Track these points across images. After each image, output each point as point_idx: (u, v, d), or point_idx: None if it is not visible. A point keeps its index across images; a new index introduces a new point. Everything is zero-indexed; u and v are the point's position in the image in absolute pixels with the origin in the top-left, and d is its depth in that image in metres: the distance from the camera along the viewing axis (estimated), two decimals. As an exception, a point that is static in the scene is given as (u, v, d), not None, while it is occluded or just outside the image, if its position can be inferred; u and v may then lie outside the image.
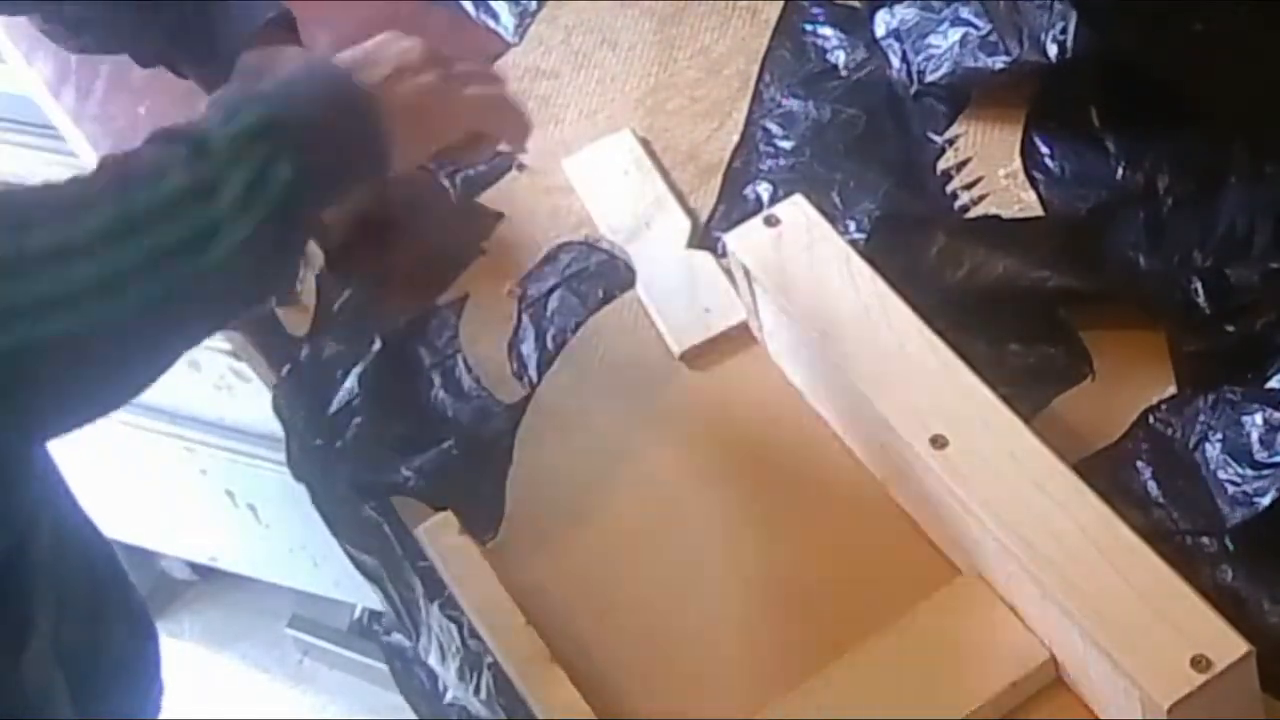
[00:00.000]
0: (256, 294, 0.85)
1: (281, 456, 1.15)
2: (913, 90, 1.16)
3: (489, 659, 0.96)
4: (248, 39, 1.06)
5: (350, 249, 1.11)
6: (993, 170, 1.11)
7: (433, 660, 1.00)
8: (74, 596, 0.96)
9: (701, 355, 1.10)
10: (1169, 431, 0.97)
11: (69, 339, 0.75)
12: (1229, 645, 0.81)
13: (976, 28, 1.12)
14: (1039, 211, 1.09)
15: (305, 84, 0.85)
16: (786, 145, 1.19)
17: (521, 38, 1.34)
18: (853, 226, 1.10)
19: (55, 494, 0.98)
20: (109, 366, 0.78)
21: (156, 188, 0.77)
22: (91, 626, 0.98)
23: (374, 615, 2.04)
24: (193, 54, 1.06)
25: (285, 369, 1.18)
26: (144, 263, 0.76)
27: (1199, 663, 0.81)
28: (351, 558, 1.06)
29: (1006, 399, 0.94)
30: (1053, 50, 1.07)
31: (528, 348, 1.14)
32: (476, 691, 0.96)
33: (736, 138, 1.21)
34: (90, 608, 0.99)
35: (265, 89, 0.83)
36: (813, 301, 1.00)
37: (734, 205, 1.17)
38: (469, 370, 1.14)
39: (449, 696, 1.01)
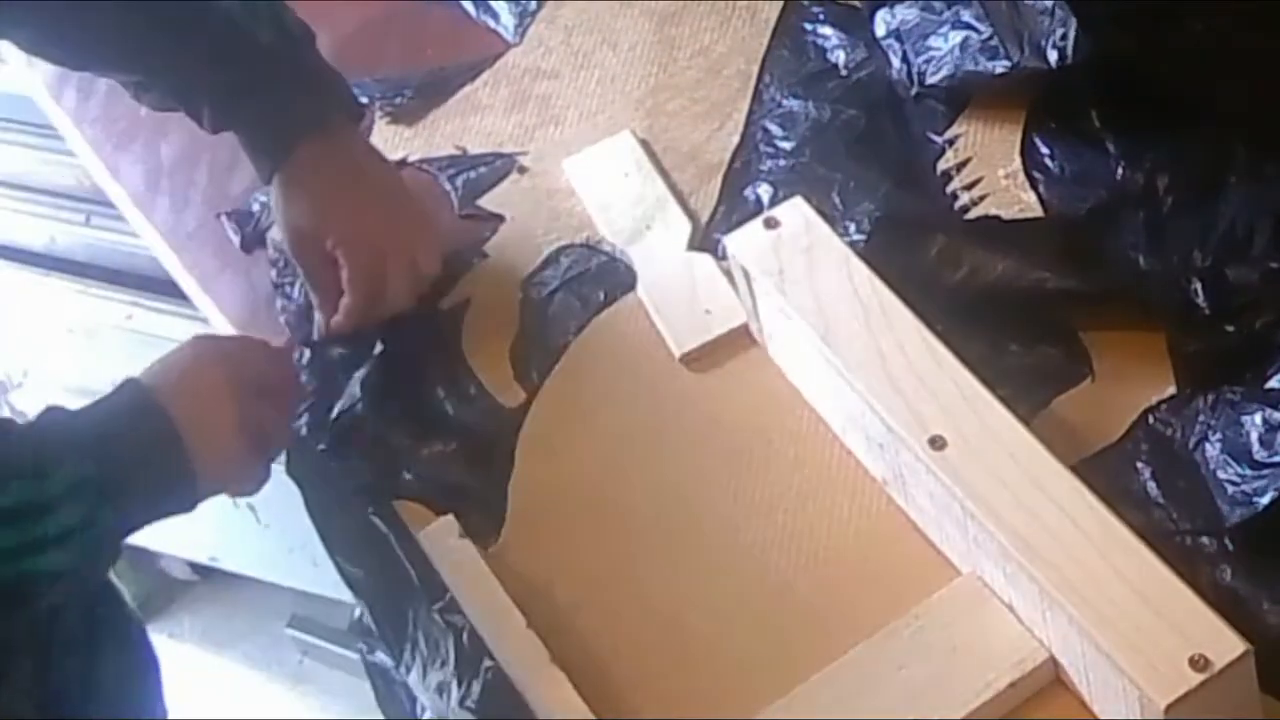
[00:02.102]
0: (80, 581, 0.95)
1: (282, 456, 1.15)
2: (913, 91, 1.16)
3: (487, 663, 0.96)
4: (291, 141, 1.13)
5: None
6: (993, 170, 1.12)
7: (413, 678, 1.00)
8: (65, 637, 1.00)
9: (702, 357, 1.10)
10: (1169, 431, 0.97)
11: None
12: (1227, 645, 0.81)
13: (977, 31, 1.12)
14: (1039, 212, 1.09)
15: (127, 436, 0.94)
16: (786, 145, 1.19)
17: (521, 38, 1.34)
18: (853, 227, 1.10)
19: None
20: None
21: (4, 490, 0.88)
22: (84, 665, 1.02)
23: (374, 616, 2.04)
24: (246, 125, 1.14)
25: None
26: None
27: (1197, 662, 0.81)
28: (340, 569, 1.06)
29: (1006, 399, 0.94)
30: (1053, 56, 1.07)
31: (529, 350, 1.14)
32: (464, 700, 0.96)
33: (736, 138, 1.21)
34: (84, 647, 1.03)
35: (93, 438, 0.93)
36: (813, 302, 1.00)
37: (734, 206, 1.17)
38: (471, 373, 1.14)
39: (426, 715, 1.00)
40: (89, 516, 0.90)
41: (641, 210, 1.18)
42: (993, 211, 1.10)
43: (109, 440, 0.93)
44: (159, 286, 1.73)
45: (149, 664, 1.11)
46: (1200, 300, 1.00)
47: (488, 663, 0.96)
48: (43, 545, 0.88)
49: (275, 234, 1.19)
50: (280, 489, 1.07)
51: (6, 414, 2.15)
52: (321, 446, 1.11)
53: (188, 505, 0.97)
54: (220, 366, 0.99)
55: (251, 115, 1.12)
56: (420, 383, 1.14)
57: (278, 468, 1.06)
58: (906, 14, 1.17)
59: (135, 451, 0.94)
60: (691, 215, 1.18)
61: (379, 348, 1.14)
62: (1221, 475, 0.94)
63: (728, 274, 1.11)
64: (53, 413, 0.94)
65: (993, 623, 0.92)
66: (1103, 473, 0.94)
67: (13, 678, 0.96)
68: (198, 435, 0.95)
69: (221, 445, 0.97)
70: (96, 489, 0.90)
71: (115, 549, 0.94)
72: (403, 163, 1.28)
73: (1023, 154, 1.11)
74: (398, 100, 1.32)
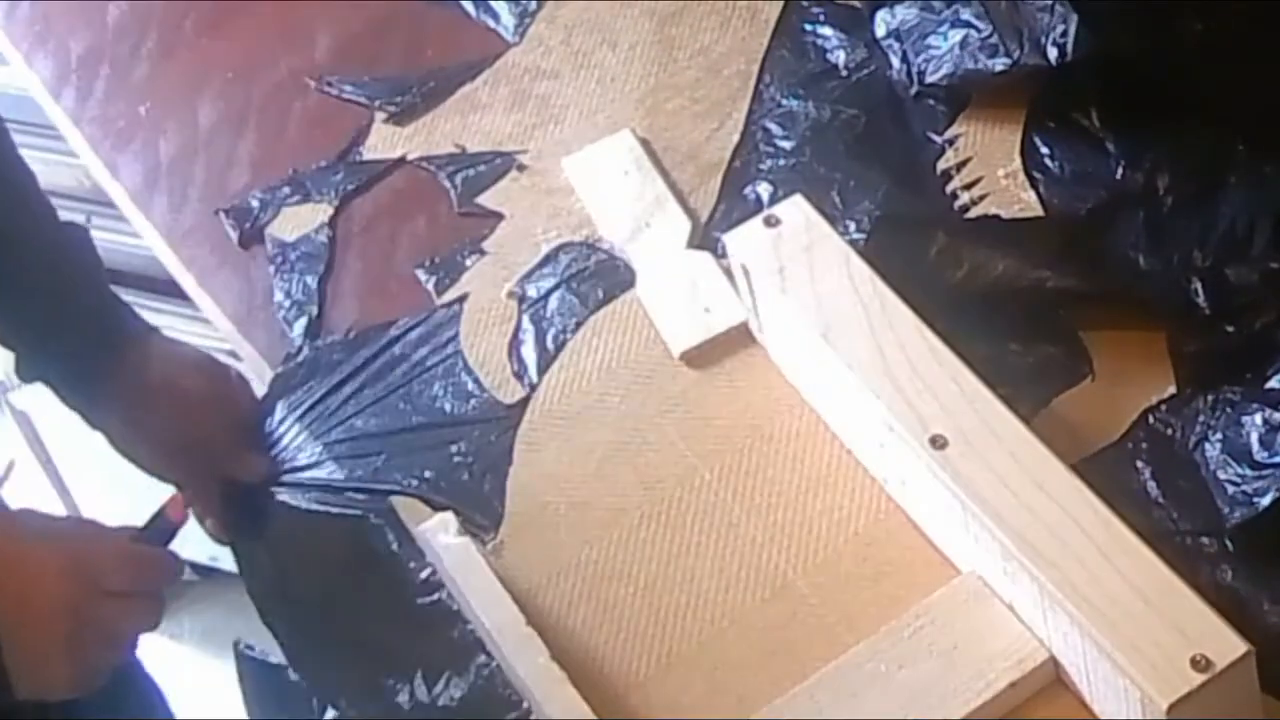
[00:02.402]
0: None
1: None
2: (913, 91, 1.15)
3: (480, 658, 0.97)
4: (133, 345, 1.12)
5: None
6: (993, 170, 1.11)
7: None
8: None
9: (701, 355, 1.10)
10: (1169, 431, 0.97)
11: None
12: (1228, 645, 0.81)
13: (977, 29, 1.12)
14: (1039, 211, 1.09)
15: None
16: (786, 145, 1.19)
17: (521, 38, 1.34)
18: (853, 226, 1.10)
19: None
20: None
21: None
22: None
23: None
24: (72, 362, 1.11)
25: (279, 369, 1.18)
26: None
27: (1198, 662, 0.81)
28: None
29: (1006, 399, 0.94)
30: (1053, 53, 1.07)
31: (528, 348, 1.14)
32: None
33: (736, 138, 1.21)
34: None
35: None
36: (813, 301, 1.00)
37: (734, 205, 1.17)
38: (469, 371, 1.14)
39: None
40: None
41: (641, 209, 1.18)
42: (993, 211, 1.10)
43: None
44: (159, 285, 1.73)
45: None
46: (1200, 300, 1.00)
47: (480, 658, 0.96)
48: None
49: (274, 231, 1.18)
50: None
51: (6, 414, 2.15)
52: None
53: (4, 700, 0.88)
54: (62, 580, 0.90)
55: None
56: (419, 380, 1.14)
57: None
58: (906, 14, 1.17)
59: None
60: (691, 214, 1.17)
61: (376, 346, 1.15)
62: (1222, 475, 0.94)
63: (727, 272, 1.11)
64: None
65: (993, 623, 0.91)
66: (1103, 472, 0.94)
67: None
68: (17, 649, 0.87)
69: (41, 659, 0.88)
70: None
71: None
72: (402, 160, 1.28)
73: (1023, 154, 1.11)
74: (398, 100, 1.32)
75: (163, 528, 1.05)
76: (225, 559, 2.06)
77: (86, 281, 1.11)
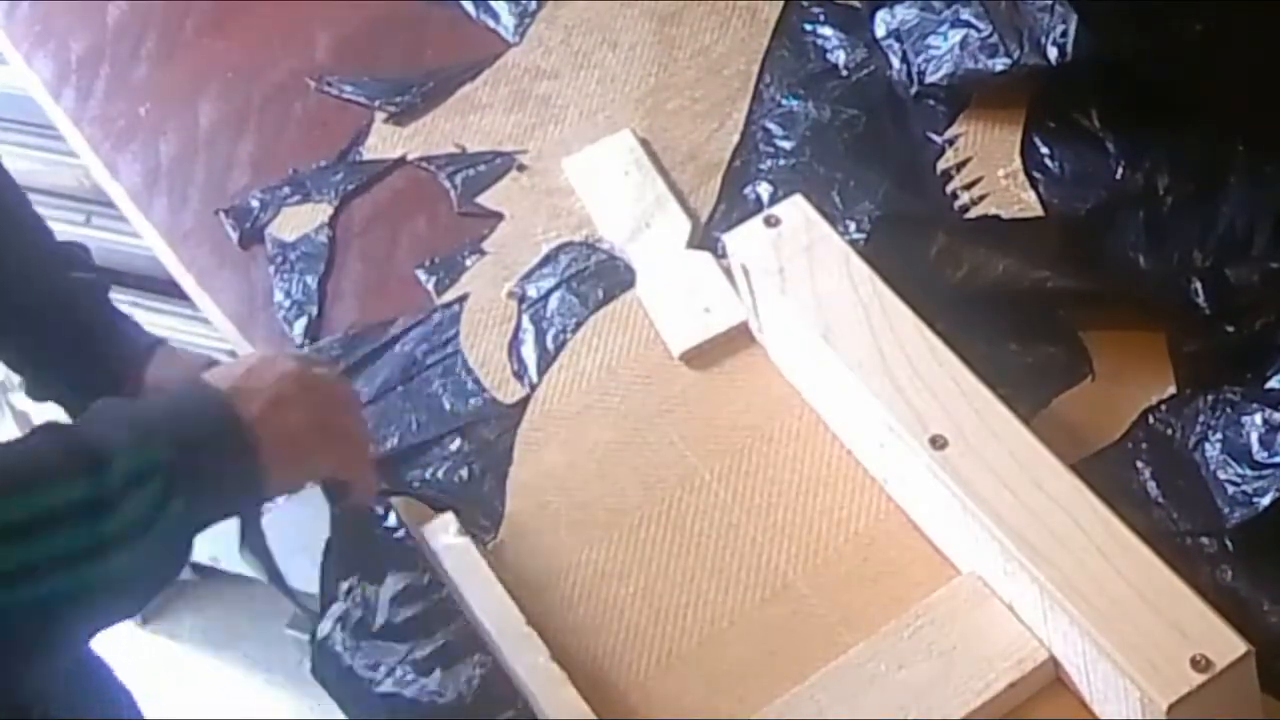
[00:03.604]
0: (145, 590, 0.87)
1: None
2: (913, 91, 1.16)
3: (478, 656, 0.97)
4: (138, 359, 1.09)
5: None
6: (993, 170, 1.11)
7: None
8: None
9: (701, 355, 1.10)
10: (1169, 431, 0.97)
11: None
12: (1229, 645, 0.81)
13: (977, 29, 1.12)
14: (1039, 211, 1.09)
15: (194, 421, 0.88)
16: (786, 145, 1.19)
17: (521, 38, 1.34)
18: (853, 226, 1.10)
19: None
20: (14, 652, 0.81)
21: (55, 493, 0.79)
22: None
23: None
24: (80, 379, 1.09)
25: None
26: (36, 565, 0.78)
27: (1199, 663, 0.81)
28: None
29: (1006, 399, 0.94)
30: (1053, 53, 1.07)
31: (528, 348, 1.14)
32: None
33: (736, 138, 1.21)
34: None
35: (159, 421, 0.86)
36: (813, 301, 1.00)
37: (734, 205, 1.17)
38: (469, 370, 1.14)
39: None
40: (156, 507, 0.82)
41: (641, 209, 1.18)
42: (993, 211, 1.10)
43: (174, 422, 0.85)
44: (159, 285, 1.73)
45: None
46: (1200, 300, 1.00)
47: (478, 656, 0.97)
48: (105, 547, 0.80)
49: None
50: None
51: (6, 414, 2.15)
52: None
53: (257, 500, 0.91)
54: (296, 386, 0.93)
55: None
56: (419, 379, 1.14)
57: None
58: (906, 14, 1.17)
59: (203, 435, 0.86)
60: (691, 214, 1.17)
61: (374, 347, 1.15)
62: (1221, 475, 0.94)
63: (727, 272, 1.11)
64: (108, 403, 0.87)
65: (993, 623, 0.91)
66: (1103, 472, 0.94)
67: None
68: (265, 426, 0.89)
69: (292, 437, 0.91)
70: (164, 475, 0.82)
71: (187, 549, 0.86)
72: (402, 160, 1.28)
73: (1023, 154, 1.11)
74: (398, 100, 1.32)
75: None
76: (225, 559, 2.06)
77: (88, 301, 1.11)
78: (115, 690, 1.07)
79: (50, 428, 0.84)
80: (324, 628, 1.04)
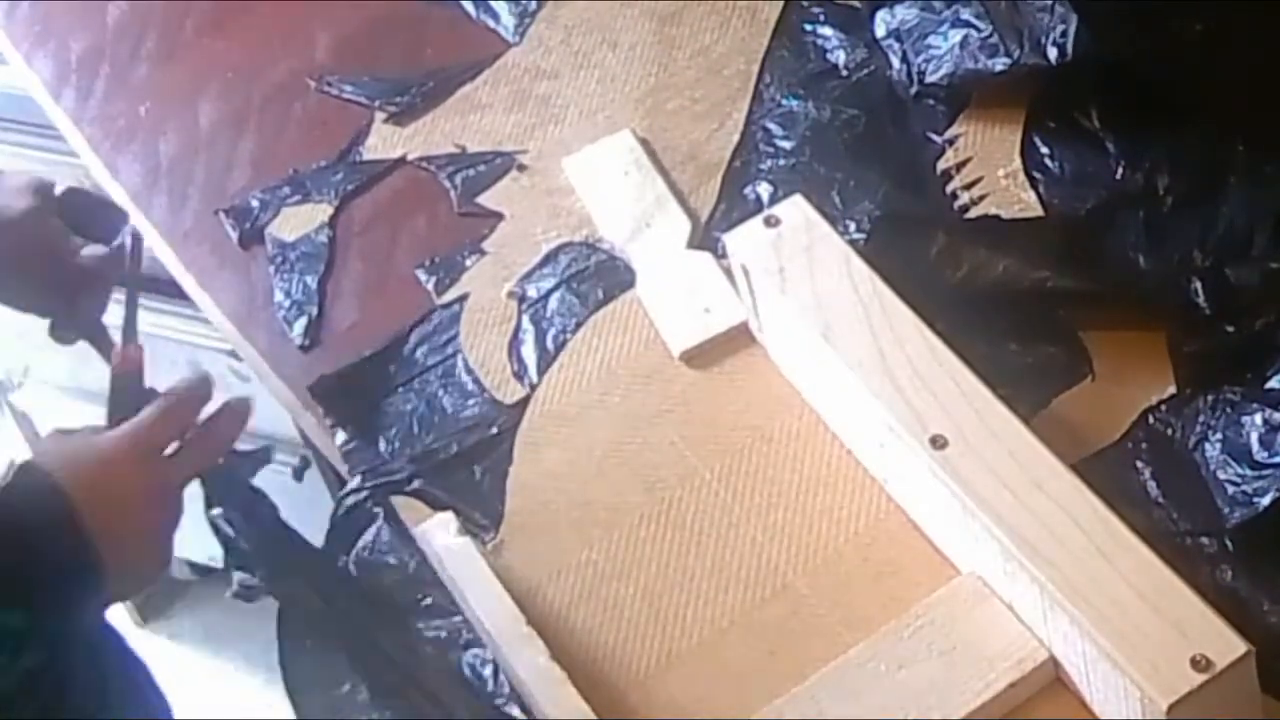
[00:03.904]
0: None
1: (281, 456, 1.15)
2: (913, 91, 1.15)
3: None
4: None
5: None
6: (993, 170, 1.11)
7: None
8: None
9: (701, 355, 1.10)
10: (1169, 431, 0.97)
11: None
12: (1229, 645, 0.81)
13: (977, 29, 1.12)
14: (1039, 211, 1.09)
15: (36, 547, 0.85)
16: (786, 145, 1.19)
17: (521, 38, 1.34)
18: (853, 226, 1.10)
19: None
20: None
21: None
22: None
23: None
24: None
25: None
26: None
27: (1199, 663, 0.81)
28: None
29: (1006, 399, 0.94)
30: (1053, 53, 1.07)
31: (528, 348, 1.14)
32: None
33: (736, 138, 1.21)
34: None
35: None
36: (813, 301, 1.00)
37: (734, 205, 1.17)
38: (469, 370, 1.14)
39: None
40: (16, 676, 0.80)
41: (641, 209, 1.18)
42: (993, 211, 1.10)
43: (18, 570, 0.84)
44: (159, 285, 1.73)
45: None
46: (1200, 300, 1.00)
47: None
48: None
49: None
50: (281, 489, 1.06)
51: (7, 414, 2.15)
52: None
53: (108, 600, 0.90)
54: (134, 466, 0.91)
55: None
56: (418, 379, 1.14)
57: (280, 468, 1.05)
58: (906, 14, 1.17)
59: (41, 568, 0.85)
60: (691, 214, 1.17)
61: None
62: (1221, 475, 0.94)
63: (727, 272, 1.11)
64: None
65: (993, 623, 0.91)
66: (1103, 472, 0.94)
67: None
68: (119, 552, 0.87)
69: (138, 549, 0.90)
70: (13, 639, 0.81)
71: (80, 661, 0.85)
72: (402, 160, 1.28)
73: (1023, 154, 1.11)
74: (398, 100, 1.32)
75: (131, 380, 1.00)
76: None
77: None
78: (152, 692, 1.07)
79: None
80: None
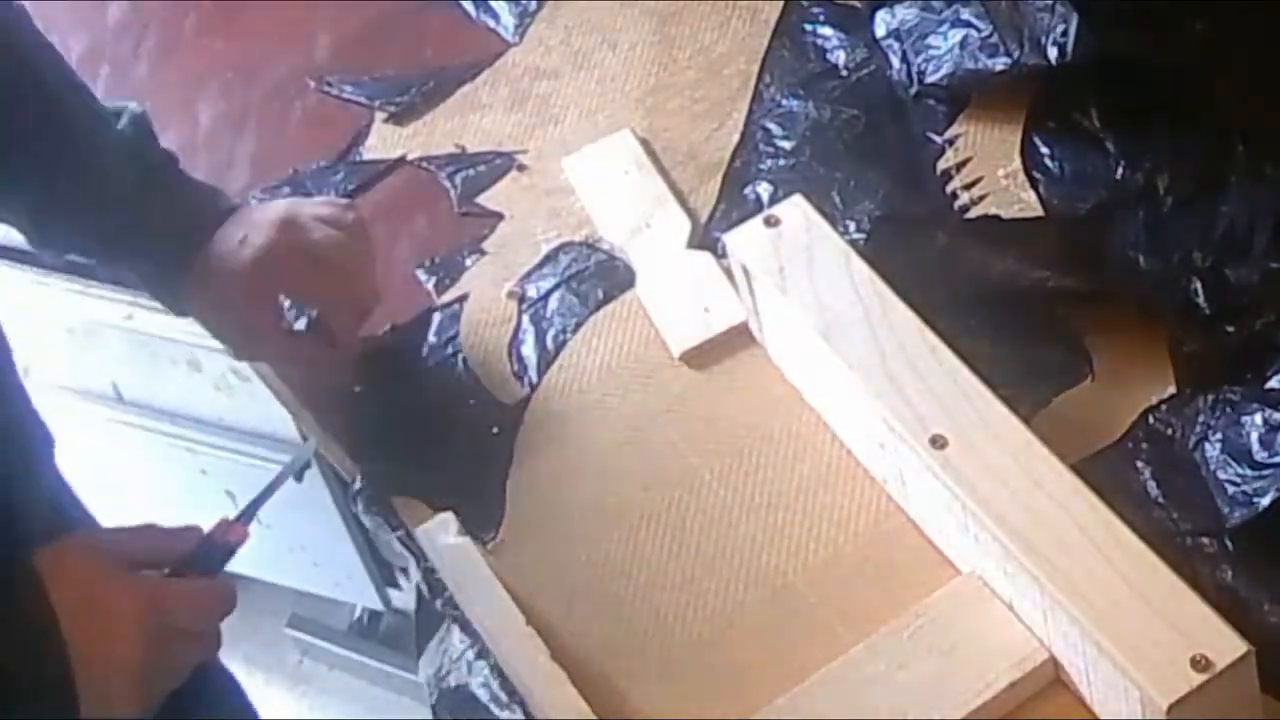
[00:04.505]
0: None
1: (281, 456, 1.14)
2: (913, 91, 1.16)
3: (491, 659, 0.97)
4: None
5: None
6: (993, 170, 1.11)
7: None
8: None
9: (701, 355, 1.10)
10: (1169, 431, 0.97)
11: None
12: (1229, 645, 0.81)
13: (977, 29, 1.12)
14: (1039, 211, 1.09)
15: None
16: (786, 145, 1.19)
17: (521, 38, 1.34)
18: (853, 226, 1.10)
19: None
20: None
21: None
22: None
23: (374, 615, 2.04)
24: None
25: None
26: None
27: (1199, 663, 0.81)
28: None
29: (1006, 399, 0.94)
30: (1053, 53, 1.07)
31: (528, 348, 1.14)
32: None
33: (736, 138, 1.21)
34: None
35: None
36: (813, 301, 1.00)
37: (734, 205, 1.17)
38: (469, 370, 1.14)
39: None
40: None
41: (641, 208, 1.18)
42: (993, 211, 1.10)
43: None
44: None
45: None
46: (1200, 300, 1.00)
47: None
48: None
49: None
50: (281, 489, 1.06)
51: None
52: None
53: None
54: (138, 624, 0.90)
55: (145, 245, 1.07)
56: (418, 379, 1.14)
57: (279, 468, 1.05)
58: (906, 13, 1.17)
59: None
60: (691, 214, 1.17)
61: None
62: (1221, 475, 0.94)
63: (727, 272, 1.11)
64: None
65: (993, 623, 0.91)
66: (1103, 472, 0.94)
67: None
68: (90, 680, 0.86)
69: (111, 690, 0.88)
70: None
71: None
72: (402, 160, 1.28)
73: (1023, 153, 1.11)
74: (398, 100, 1.32)
75: (218, 550, 0.99)
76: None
77: (150, 178, 1.08)
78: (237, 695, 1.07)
79: None
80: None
